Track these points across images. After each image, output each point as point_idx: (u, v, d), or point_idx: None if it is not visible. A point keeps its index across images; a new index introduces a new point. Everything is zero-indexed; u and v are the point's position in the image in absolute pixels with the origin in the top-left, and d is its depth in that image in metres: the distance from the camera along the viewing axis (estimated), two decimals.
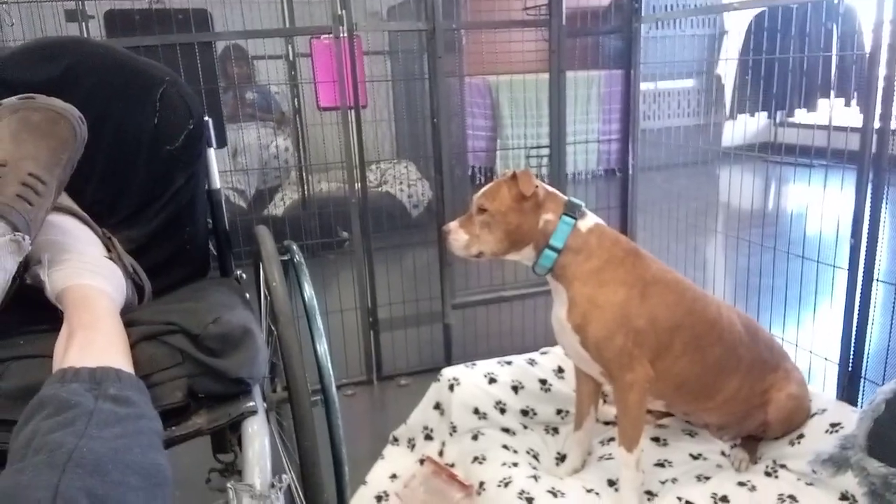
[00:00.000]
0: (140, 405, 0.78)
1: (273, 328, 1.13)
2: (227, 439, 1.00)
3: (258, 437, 0.87)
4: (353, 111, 2.21)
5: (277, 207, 3.66)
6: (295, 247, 1.28)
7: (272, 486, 0.80)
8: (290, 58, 3.58)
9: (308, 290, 1.19)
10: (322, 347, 1.14)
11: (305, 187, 3.62)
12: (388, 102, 3.94)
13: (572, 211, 1.41)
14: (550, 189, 1.45)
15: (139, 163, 1.25)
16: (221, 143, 1.41)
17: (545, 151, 2.52)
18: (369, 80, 2.45)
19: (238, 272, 1.36)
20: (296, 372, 0.97)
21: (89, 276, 0.95)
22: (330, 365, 1.15)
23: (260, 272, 1.19)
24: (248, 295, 1.27)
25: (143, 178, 1.25)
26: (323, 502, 1.02)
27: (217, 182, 1.36)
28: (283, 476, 0.84)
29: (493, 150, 4.68)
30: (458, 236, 1.44)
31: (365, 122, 2.27)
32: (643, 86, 2.57)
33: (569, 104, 2.46)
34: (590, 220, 1.43)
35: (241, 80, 3.72)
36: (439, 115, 2.21)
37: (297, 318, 1.20)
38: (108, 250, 1.08)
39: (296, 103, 3.63)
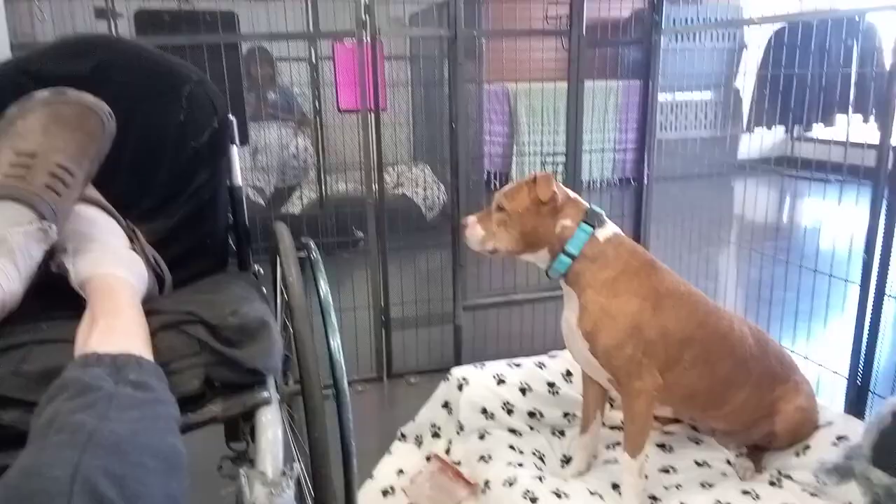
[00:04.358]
0: (158, 391, 0.80)
1: (288, 322, 1.16)
2: (240, 428, 1.03)
3: (272, 427, 0.90)
4: (372, 114, 2.24)
5: (295, 206, 3.71)
6: (312, 244, 1.31)
7: (283, 474, 0.83)
8: (313, 60, 3.63)
9: (323, 287, 1.21)
10: (335, 342, 1.17)
11: (323, 187, 3.66)
12: (408, 106, 3.98)
13: (592, 219, 1.43)
14: (572, 195, 1.47)
15: (164, 158, 1.29)
16: (244, 141, 1.45)
17: (561, 158, 2.54)
18: (389, 84, 2.49)
19: (256, 267, 1.39)
20: (309, 365, 1.00)
21: (113, 266, 0.99)
22: (342, 360, 1.18)
23: (277, 267, 1.22)
24: (264, 289, 1.30)
25: (167, 173, 1.28)
26: (331, 493, 1.04)
27: (239, 179, 1.40)
28: (294, 465, 0.86)
29: (510, 156, 4.70)
30: (474, 230, 1.46)
31: (383, 125, 2.31)
32: (661, 97, 2.59)
33: (586, 113, 2.48)
34: (608, 230, 1.44)
35: (265, 81, 3.77)
36: (457, 120, 2.24)
37: (312, 314, 1.23)
38: (132, 241, 1.12)
39: (317, 105, 3.68)
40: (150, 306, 0.97)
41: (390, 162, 4.01)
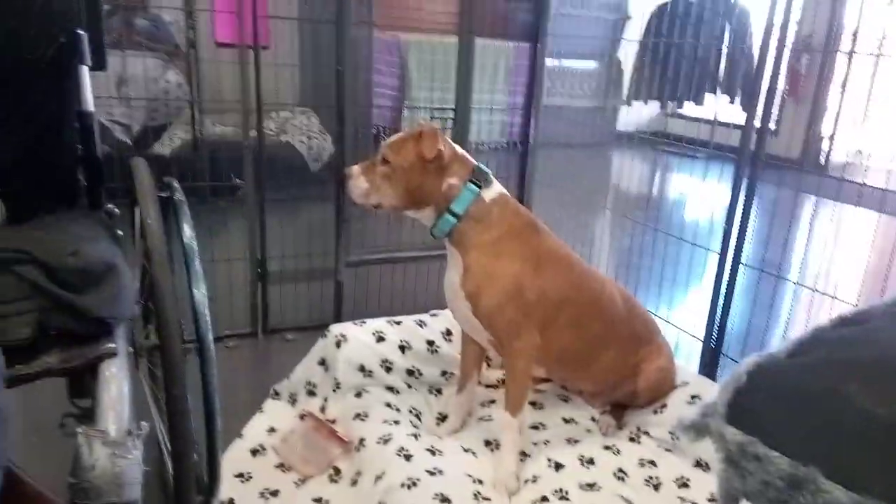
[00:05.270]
0: None
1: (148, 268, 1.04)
2: (87, 383, 0.92)
3: (116, 381, 0.80)
4: (253, 50, 2.08)
5: (165, 147, 3.42)
6: (175, 183, 1.18)
7: (129, 433, 0.74)
8: None
9: (188, 231, 1.10)
10: (200, 292, 1.07)
11: (197, 128, 3.39)
12: (294, 46, 3.74)
13: (479, 178, 1.40)
14: (460, 152, 1.43)
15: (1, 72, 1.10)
16: (100, 64, 1.27)
17: (451, 115, 2.50)
18: (272, 15, 2.31)
19: (110, 206, 1.24)
20: (167, 314, 0.90)
21: None
22: (207, 311, 1.08)
23: (136, 208, 1.09)
24: (119, 232, 1.16)
25: (4, 90, 1.10)
26: (189, 454, 0.96)
27: (90, 105, 1.22)
28: (143, 423, 0.77)
29: (399, 110, 4.60)
30: (358, 182, 1.40)
31: (266, 64, 2.15)
32: (548, 62, 2.61)
33: (477, 73, 2.45)
34: (494, 190, 1.42)
35: (131, 4, 3.40)
36: (345, 63, 2.12)
37: (177, 262, 1.12)
38: None
39: (191, 35, 3.37)
40: None
41: (273, 106, 3.79)
